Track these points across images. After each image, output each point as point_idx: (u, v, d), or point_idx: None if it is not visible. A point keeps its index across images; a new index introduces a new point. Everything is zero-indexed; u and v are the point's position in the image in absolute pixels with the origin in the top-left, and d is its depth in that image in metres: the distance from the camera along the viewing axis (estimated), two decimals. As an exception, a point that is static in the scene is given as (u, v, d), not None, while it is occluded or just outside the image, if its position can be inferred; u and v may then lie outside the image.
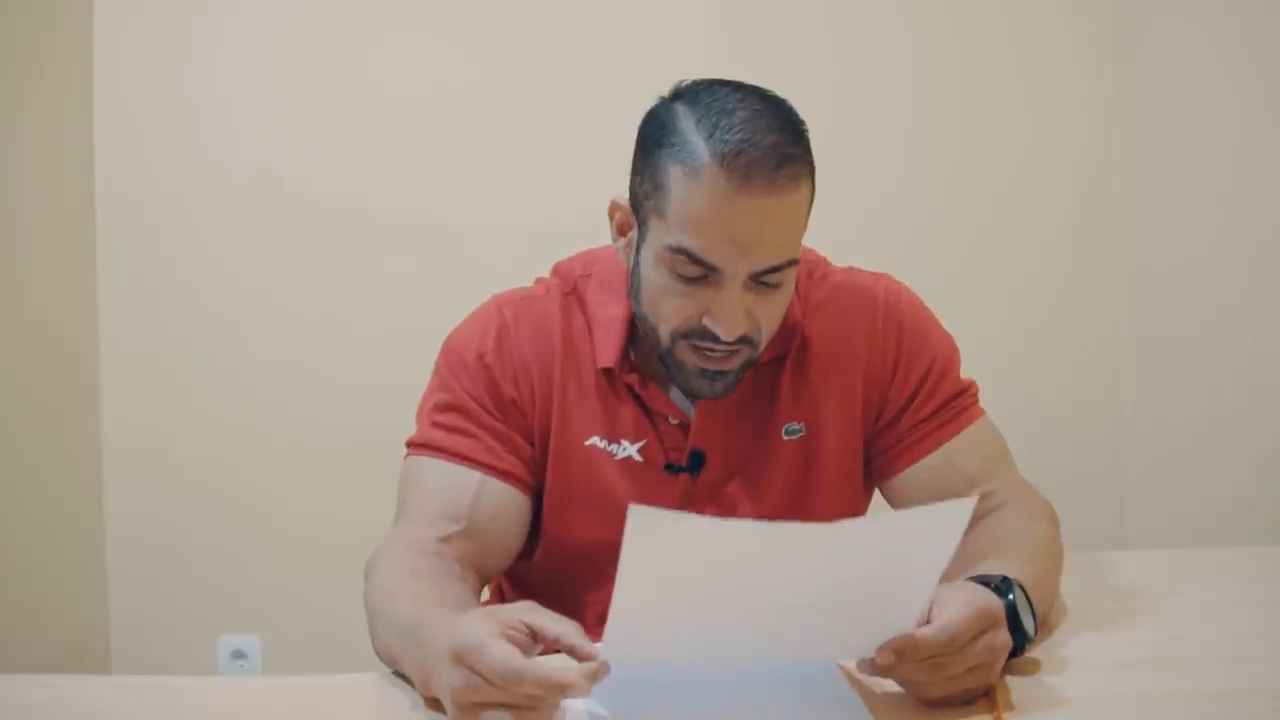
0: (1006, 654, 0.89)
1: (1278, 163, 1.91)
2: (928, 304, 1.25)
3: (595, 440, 1.18)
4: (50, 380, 2.27)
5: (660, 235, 1.06)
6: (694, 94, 1.07)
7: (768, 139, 1.02)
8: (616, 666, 0.81)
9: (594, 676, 0.79)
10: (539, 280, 1.26)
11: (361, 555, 1.09)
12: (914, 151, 2.43)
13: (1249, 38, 1.99)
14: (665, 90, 1.11)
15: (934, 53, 2.43)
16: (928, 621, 0.86)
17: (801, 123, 1.06)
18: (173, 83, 2.37)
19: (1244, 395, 2.02)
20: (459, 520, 1.11)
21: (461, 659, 0.81)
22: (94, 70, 2.36)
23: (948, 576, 0.88)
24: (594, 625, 0.93)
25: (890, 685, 0.91)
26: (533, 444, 1.17)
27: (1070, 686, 0.92)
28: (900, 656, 0.85)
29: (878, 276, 1.25)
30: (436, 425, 1.16)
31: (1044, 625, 1.01)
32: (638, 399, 1.18)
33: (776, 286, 1.08)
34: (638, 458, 1.17)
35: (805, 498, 1.19)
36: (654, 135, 1.08)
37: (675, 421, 1.18)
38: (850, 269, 1.26)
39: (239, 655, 2.43)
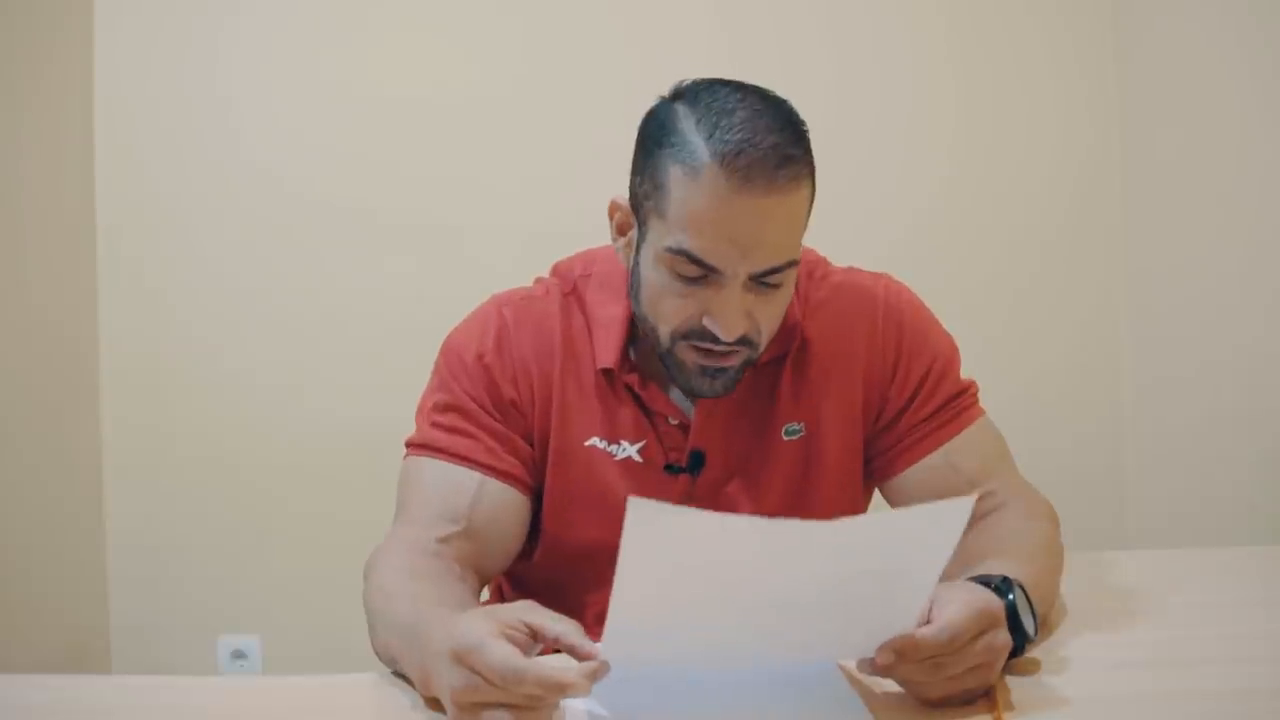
0: (1006, 654, 0.89)
1: (1278, 163, 1.91)
2: (928, 304, 1.25)
3: (595, 441, 1.17)
4: (50, 380, 2.27)
5: (660, 235, 1.06)
6: (694, 94, 1.07)
7: (768, 139, 1.02)
8: (616, 666, 0.81)
9: (594, 676, 0.79)
10: (539, 280, 1.26)
11: (361, 555, 1.09)
12: (914, 151, 2.43)
13: (1249, 38, 1.99)
14: (665, 90, 1.11)
15: (934, 53, 2.43)
16: (928, 621, 0.86)
17: (802, 123, 1.06)
18: (173, 83, 2.37)
19: (1244, 395, 2.02)
20: (458, 521, 1.11)
21: (461, 659, 0.81)
22: (94, 70, 2.36)
23: (948, 576, 0.88)
24: (594, 625, 0.93)
25: (890, 685, 0.91)
26: (532, 444, 1.17)
27: (1070, 686, 0.92)
28: (900, 656, 0.85)
29: (878, 276, 1.25)
30: (436, 425, 1.16)
31: (1044, 625, 1.01)
32: (637, 399, 1.18)
33: (776, 287, 1.07)
34: (637, 458, 1.17)
35: (805, 498, 1.19)
36: (654, 135, 1.08)
37: (675, 422, 1.18)
38: (850, 269, 1.26)
39: (239, 655, 2.43)
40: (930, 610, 0.86)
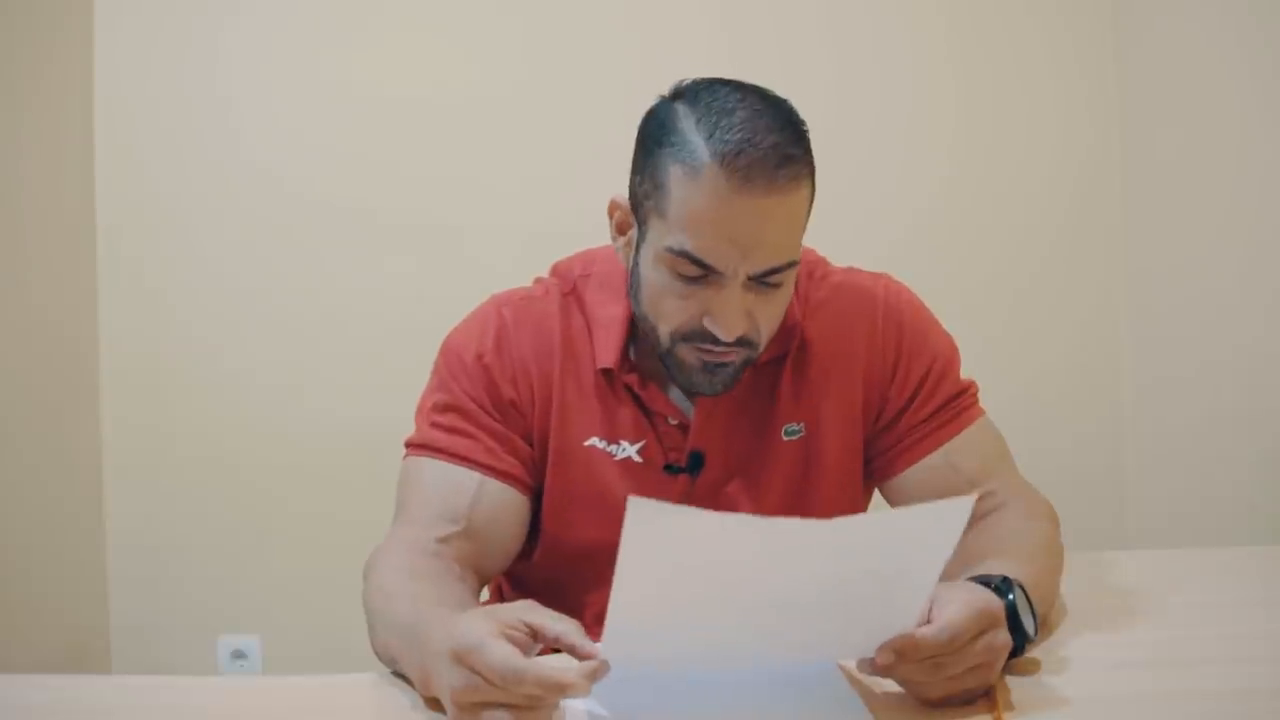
0: (1006, 654, 0.89)
1: (1278, 163, 1.91)
2: (928, 304, 1.25)
3: (594, 441, 1.17)
4: (50, 380, 2.27)
5: (660, 235, 1.06)
6: (694, 93, 1.07)
7: (768, 139, 1.02)
8: (616, 666, 0.81)
9: (594, 676, 0.79)
10: (538, 280, 1.26)
11: (361, 555, 1.09)
12: (914, 151, 2.43)
13: (1249, 38, 1.99)
14: (665, 90, 1.11)
15: (934, 53, 2.43)
16: (928, 621, 0.86)
17: (802, 123, 1.06)
18: (173, 83, 2.37)
19: (1244, 395, 2.02)
20: (458, 521, 1.11)
21: (461, 659, 0.81)
22: (94, 70, 2.36)
23: (948, 576, 0.87)
24: (593, 625, 0.93)
25: (890, 685, 0.91)
26: (532, 444, 1.17)
27: (1070, 686, 0.92)
28: (900, 656, 0.85)
29: (877, 277, 1.25)
30: (435, 426, 1.16)
31: (1044, 625, 1.01)
32: (637, 399, 1.18)
33: (776, 287, 1.07)
34: (637, 458, 1.17)
35: (805, 498, 1.18)
36: (654, 135, 1.08)
37: (675, 422, 1.18)
38: (850, 269, 1.26)
39: (239, 655, 2.43)
40: (930, 610, 0.86)
